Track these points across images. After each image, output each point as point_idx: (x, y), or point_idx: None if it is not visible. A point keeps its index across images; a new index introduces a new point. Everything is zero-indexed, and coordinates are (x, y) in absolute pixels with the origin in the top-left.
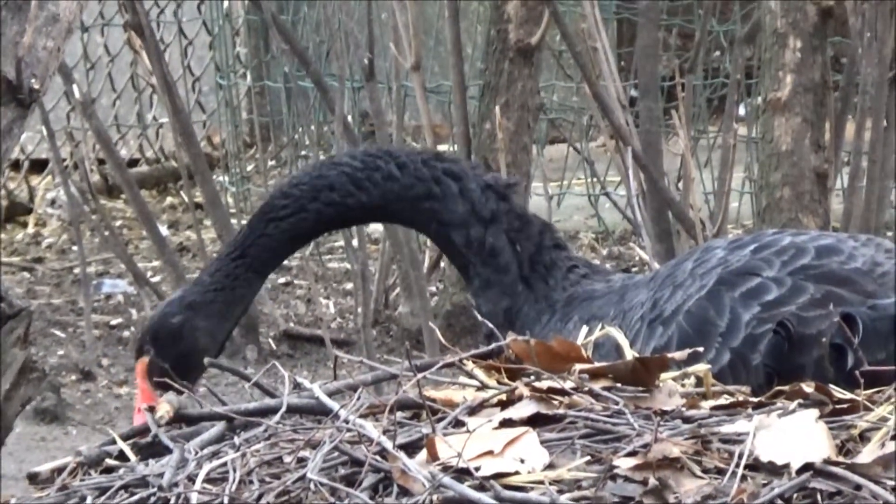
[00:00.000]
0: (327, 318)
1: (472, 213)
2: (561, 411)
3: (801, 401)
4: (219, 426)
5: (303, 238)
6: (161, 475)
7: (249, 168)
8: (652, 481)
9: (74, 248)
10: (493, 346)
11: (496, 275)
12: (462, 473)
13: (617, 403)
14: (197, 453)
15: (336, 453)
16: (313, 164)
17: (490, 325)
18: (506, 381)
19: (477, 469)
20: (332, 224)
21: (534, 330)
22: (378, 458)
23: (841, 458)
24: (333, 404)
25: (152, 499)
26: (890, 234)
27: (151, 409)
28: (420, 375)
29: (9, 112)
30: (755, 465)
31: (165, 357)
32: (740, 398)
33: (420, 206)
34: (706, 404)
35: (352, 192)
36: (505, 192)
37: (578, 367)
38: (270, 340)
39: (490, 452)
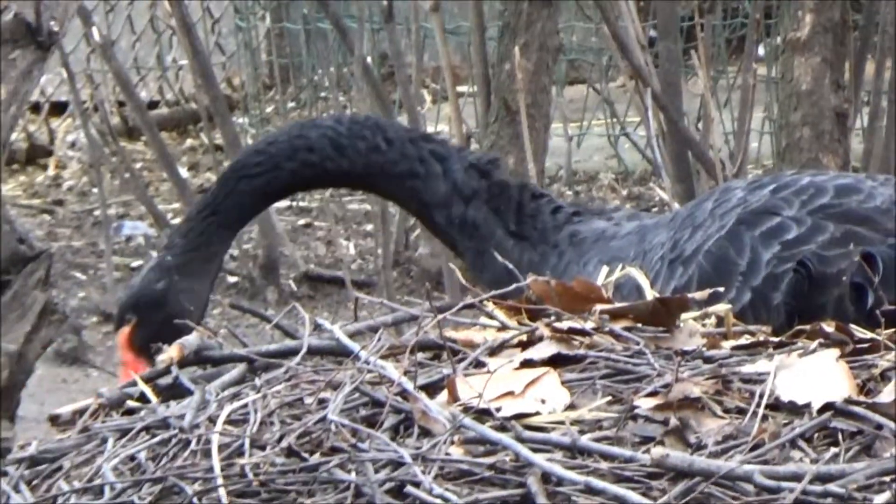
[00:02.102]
0: (347, 259)
1: (453, 192)
2: (581, 352)
3: (821, 340)
4: (239, 368)
5: (274, 196)
6: (182, 416)
7: (269, 110)
8: (673, 421)
9: (94, 190)
10: (513, 286)
11: (483, 243)
12: (483, 414)
13: (637, 344)
14: (218, 395)
15: (357, 394)
16: (292, 124)
17: (510, 265)
18: (526, 321)
19: (498, 410)
20: (306, 185)
21: (544, 273)
22: (399, 398)
23: (862, 398)
24: (354, 345)
25: (173, 440)
26: None
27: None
28: (440, 316)
29: (28, 55)
30: (776, 405)
31: (150, 324)
32: (761, 338)
33: (402, 184)
34: (727, 344)
35: (331, 156)
36: (487, 169)
37: (599, 307)
38: (291, 282)
39: (511, 393)
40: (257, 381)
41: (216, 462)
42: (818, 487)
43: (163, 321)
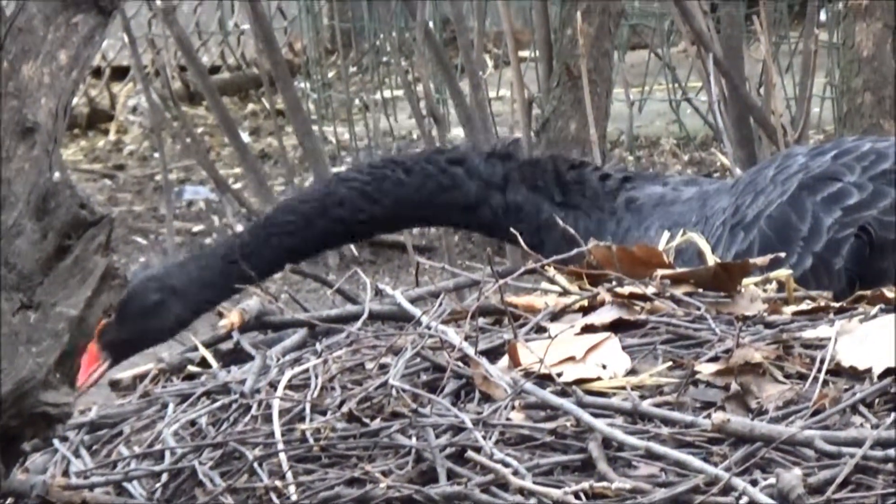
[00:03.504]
0: None
1: (485, 186)
2: (643, 317)
3: (882, 305)
4: (300, 333)
5: (303, 255)
6: (243, 382)
7: (331, 74)
8: (734, 386)
9: (156, 154)
10: (574, 251)
11: (533, 220)
12: (544, 379)
13: (699, 309)
14: (279, 360)
15: (418, 359)
16: (320, 181)
17: (570, 228)
18: (588, 286)
19: (559, 375)
20: (337, 241)
21: (603, 240)
22: (460, 363)
23: None
24: (415, 310)
25: (234, 405)
26: None
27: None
28: (502, 281)
29: (89, 19)
30: (837, 370)
31: (125, 325)
32: (822, 303)
33: (438, 202)
34: (788, 309)
35: (362, 206)
36: (507, 152)
37: (660, 272)
38: (352, 247)
39: (572, 358)
40: (318, 346)
41: (277, 427)
42: (879, 452)
43: (140, 332)
